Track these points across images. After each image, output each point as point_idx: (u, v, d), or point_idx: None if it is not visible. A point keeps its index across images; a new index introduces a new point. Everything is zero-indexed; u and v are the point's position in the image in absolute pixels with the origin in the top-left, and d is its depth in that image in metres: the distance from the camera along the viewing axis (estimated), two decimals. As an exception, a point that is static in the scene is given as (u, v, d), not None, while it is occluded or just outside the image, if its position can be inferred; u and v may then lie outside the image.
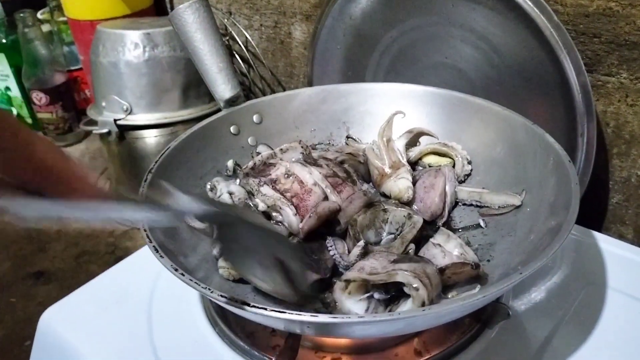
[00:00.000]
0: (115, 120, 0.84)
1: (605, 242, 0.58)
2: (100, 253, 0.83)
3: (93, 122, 0.87)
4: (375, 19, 0.72)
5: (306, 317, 0.36)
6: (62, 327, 0.54)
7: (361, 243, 0.47)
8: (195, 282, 0.38)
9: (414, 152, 0.61)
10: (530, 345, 0.48)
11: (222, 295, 0.37)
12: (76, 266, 0.81)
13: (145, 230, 0.43)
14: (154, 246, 0.42)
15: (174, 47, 0.84)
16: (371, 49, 0.75)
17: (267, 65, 0.91)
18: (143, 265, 0.60)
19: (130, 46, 0.82)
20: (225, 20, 0.90)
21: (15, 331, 0.71)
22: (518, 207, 0.51)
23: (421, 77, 0.72)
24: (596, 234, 0.59)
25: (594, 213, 0.67)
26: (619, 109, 0.60)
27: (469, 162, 0.58)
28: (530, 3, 0.57)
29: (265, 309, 0.36)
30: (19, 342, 0.70)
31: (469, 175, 0.58)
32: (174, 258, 0.42)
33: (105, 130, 0.84)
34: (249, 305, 0.37)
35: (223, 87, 0.60)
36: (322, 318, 0.35)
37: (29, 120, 1.13)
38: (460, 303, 0.36)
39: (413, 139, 0.62)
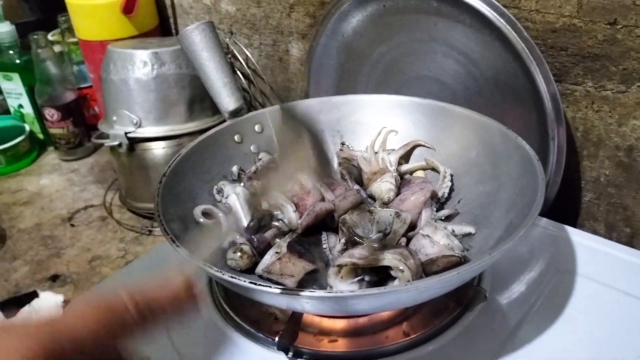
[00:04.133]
0: (125, 133, 0.90)
1: (577, 236, 0.64)
2: (111, 257, 0.89)
3: (104, 136, 0.93)
4: (365, 36, 0.79)
5: (305, 293, 0.42)
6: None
7: (343, 237, 0.53)
8: (209, 266, 0.44)
9: (406, 167, 0.67)
10: (505, 326, 0.54)
11: (232, 276, 0.43)
12: (89, 269, 0.86)
13: (162, 224, 0.49)
14: (171, 238, 0.48)
15: (180, 65, 0.90)
16: (362, 63, 0.81)
17: (266, 80, 0.97)
18: (152, 265, 0.66)
19: (140, 64, 0.89)
20: (227, 39, 0.96)
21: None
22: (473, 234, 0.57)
23: (408, 89, 0.78)
24: (570, 229, 0.65)
25: (568, 211, 0.73)
26: (586, 115, 0.66)
27: (452, 178, 0.64)
28: (503, 21, 0.64)
29: (270, 286, 0.42)
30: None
31: (450, 190, 0.63)
32: (188, 248, 0.48)
33: (116, 143, 0.90)
34: (255, 284, 0.42)
35: (227, 99, 0.66)
36: (319, 293, 0.41)
37: (41, 136, 1.19)
38: (438, 279, 0.42)
39: (409, 151, 0.68)
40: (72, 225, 0.97)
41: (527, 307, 0.55)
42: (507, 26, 0.64)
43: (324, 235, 0.56)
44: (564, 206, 0.72)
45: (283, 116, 0.46)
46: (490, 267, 0.59)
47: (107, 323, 0.27)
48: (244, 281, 0.42)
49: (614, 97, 0.63)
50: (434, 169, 0.65)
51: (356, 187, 0.62)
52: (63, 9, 1.07)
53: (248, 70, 0.96)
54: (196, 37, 0.66)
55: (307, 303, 0.43)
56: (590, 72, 0.63)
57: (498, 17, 0.64)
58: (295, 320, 0.52)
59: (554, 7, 0.63)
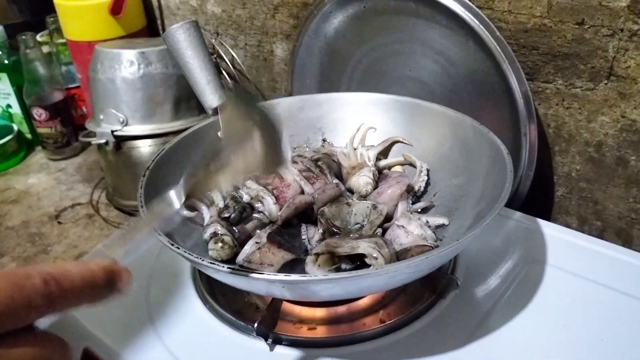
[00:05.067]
0: (112, 132, 0.91)
1: (549, 228, 0.67)
2: (98, 253, 0.90)
3: (92, 134, 0.95)
4: (347, 37, 0.81)
5: (280, 277, 0.44)
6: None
7: (321, 228, 0.55)
8: (188, 253, 0.46)
9: (385, 162, 0.69)
10: (477, 312, 0.56)
11: (211, 262, 0.45)
12: (77, 265, 0.88)
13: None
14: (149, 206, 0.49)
15: (166, 64, 0.91)
16: (344, 63, 0.83)
17: (252, 80, 0.99)
18: (141, 254, 0.67)
19: (127, 64, 0.90)
20: (213, 40, 0.98)
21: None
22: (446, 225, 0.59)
23: (389, 88, 0.80)
24: (542, 222, 0.68)
25: (542, 205, 0.75)
26: (557, 112, 0.69)
27: (428, 172, 0.66)
28: (477, 21, 0.66)
29: (247, 270, 0.44)
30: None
31: (426, 184, 0.66)
32: (171, 239, 0.50)
33: (103, 141, 0.92)
34: (233, 269, 0.44)
35: (211, 97, 0.68)
36: (294, 277, 0.43)
37: (29, 136, 1.20)
38: (406, 264, 0.44)
39: (388, 147, 0.70)
40: (60, 222, 0.98)
41: (499, 295, 0.57)
42: (481, 26, 0.66)
43: (303, 227, 0.58)
44: (538, 201, 0.75)
45: (236, 101, 0.47)
46: (464, 258, 0.62)
47: (11, 294, 0.27)
48: (222, 267, 0.44)
49: (583, 95, 0.66)
50: (411, 164, 0.68)
51: (335, 181, 0.64)
52: (52, 10, 1.09)
53: (234, 70, 0.98)
54: (180, 35, 0.68)
55: (283, 287, 0.45)
56: (560, 71, 0.66)
57: (472, 17, 0.66)
58: (274, 308, 0.54)
59: (526, 8, 0.65)
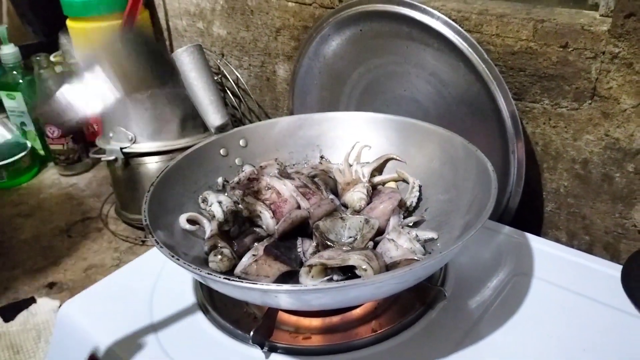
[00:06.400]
0: (121, 149, 0.95)
1: (537, 242, 0.69)
2: (106, 266, 0.93)
3: (101, 151, 0.99)
4: (345, 58, 0.85)
5: (273, 287, 0.47)
6: (78, 316, 0.64)
7: (316, 241, 0.58)
8: (187, 264, 0.49)
9: (379, 178, 0.72)
10: (465, 322, 0.58)
11: (209, 273, 0.48)
12: (85, 277, 0.91)
13: (149, 229, 0.54)
14: (155, 240, 0.53)
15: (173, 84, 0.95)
16: (342, 83, 0.87)
17: (255, 99, 1.03)
18: (146, 268, 0.70)
19: (137, 84, 0.94)
20: (219, 61, 1.02)
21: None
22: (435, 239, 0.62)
23: (386, 107, 0.84)
24: (531, 236, 0.70)
25: (532, 220, 0.78)
26: (544, 130, 0.71)
27: (420, 189, 0.69)
28: (466, 45, 0.69)
29: (242, 280, 0.47)
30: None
31: (418, 199, 0.68)
32: (173, 251, 0.53)
33: (112, 158, 0.96)
34: (229, 279, 0.47)
35: (214, 116, 0.72)
36: (286, 287, 0.46)
37: (42, 152, 1.25)
38: (391, 274, 0.46)
39: (382, 164, 0.73)
40: (70, 236, 1.02)
41: (486, 306, 0.60)
42: (470, 49, 0.69)
43: (299, 240, 0.61)
44: (529, 216, 0.77)
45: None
46: (454, 270, 0.64)
47: None
48: (219, 277, 0.47)
49: (568, 114, 0.68)
50: (404, 180, 0.70)
51: (331, 196, 0.67)
52: (64, 31, 1.13)
53: (238, 90, 1.02)
54: (185, 58, 0.72)
55: (276, 297, 0.48)
56: (546, 91, 0.69)
57: (462, 41, 0.70)
58: (270, 317, 0.57)
59: (513, 32, 0.69)
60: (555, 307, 0.60)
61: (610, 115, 0.65)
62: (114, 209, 1.08)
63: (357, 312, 0.61)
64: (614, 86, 0.64)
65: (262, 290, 0.47)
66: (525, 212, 0.76)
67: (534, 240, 0.69)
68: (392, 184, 0.72)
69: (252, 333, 0.54)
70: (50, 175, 1.23)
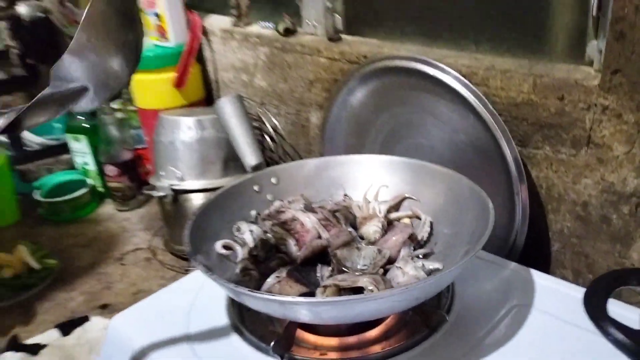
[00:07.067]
0: (170, 186, 1.07)
1: (540, 277, 0.74)
2: (153, 291, 1.03)
3: (153, 188, 1.11)
4: (369, 107, 0.94)
5: (288, 299, 0.55)
6: (125, 328, 0.73)
7: (333, 267, 0.66)
8: (221, 280, 0.58)
9: (395, 215, 0.80)
10: (466, 344, 0.64)
11: (236, 286, 0.57)
12: (133, 299, 1.01)
13: (191, 254, 0.64)
14: (194, 259, 0.62)
15: (218, 130, 1.07)
16: (367, 130, 0.96)
17: (290, 143, 1.14)
18: (186, 289, 0.80)
19: (185, 129, 1.07)
20: (259, 109, 1.14)
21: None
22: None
23: (405, 151, 0.92)
24: (535, 272, 0.75)
25: (540, 259, 0.83)
26: (547, 174, 0.78)
27: (431, 225, 0.76)
28: (473, 97, 0.78)
29: (264, 293, 0.56)
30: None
31: (429, 234, 0.76)
32: (210, 270, 0.62)
33: (163, 194, 1.07)
34: (254, 292, 0.56)
35: (250, 157, 0.82)
36: (300, 299, 0.54)
37: (101, 189, 1.38)
38: (389, 292, 0.54)
39: (399, 203, 0.81)
40: (122, 264, 1.13)
41: (487, 331, 0.66)
42: (477, 101, 0.78)
43: (318, 266, 0.69)
44: (537, 256, 0.83)
45: None
46: (460, 300, 0.71)
47: None
48: (246, 290, 0.56)
49: (567, 160, 0.75)
50: (417, 217, 0.78)
51: (349, 229, 0.75)
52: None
53: (275, 135, 1.13)
54: (227, 107, 0.84)
55: (292, 308, 0.56)
56: (547, 139, 0.76)
57: (470, 94, 0.78)
58: (289, 331, 0.65)
59: (515, 85, 0.77)
60: (551, 336, 0.65)
61: (605, 161, 0.71)
62: (162, 241, 1.19)
63: (370, 334, 0.68)
64: (606, 135, 0.70)
65: (280, 302, 0.55)
66: (534, 251, 0.82)
67: (536, 275, 0.75)
68: (406, 220, 0.79)
69: (272, 344, 0.62)
70: (108, 210, 1.36)
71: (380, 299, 0.55)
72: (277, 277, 0.66)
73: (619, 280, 0.64)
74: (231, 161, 1.08)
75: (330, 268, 0.68)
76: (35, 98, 0.44)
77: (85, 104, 0.47)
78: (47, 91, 0.44)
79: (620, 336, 0.52)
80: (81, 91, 0.46)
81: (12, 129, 0.44)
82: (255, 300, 0.57)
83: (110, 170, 1.30)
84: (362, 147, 0.98)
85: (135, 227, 1.27)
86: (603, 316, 0.56)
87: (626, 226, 0.72)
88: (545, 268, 0.83)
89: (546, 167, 0.78)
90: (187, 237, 0.67)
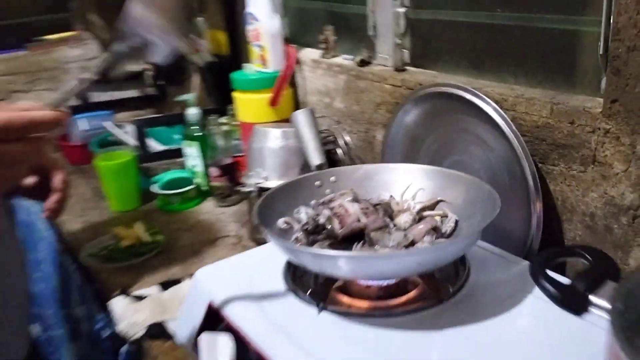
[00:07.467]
0: (256, 184, 1.30)
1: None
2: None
3: (244, 186, 1.34)
4: (421, 127, 1.11)
5: (320, 251, 0.74)
6: (204, 278, 0.95)
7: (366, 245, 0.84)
8: (278, 238, 0.78)
9: (428, 213, 0.96)
10: (468, 313, 0.79)
11: (285, 240, 0.76)
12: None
13: (260, 224, 0.84)
14: (263, 227, 0.83)
15: (299, 140, 1.29)
16: (419, 146, 1.13)
17: (360, 157, 1.33)
18: (255, 256, 1.01)
19: (273, 138, 1.30)
20: (334, 126, 1.35)
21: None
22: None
23: (449, 164, 1.08)
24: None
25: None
26: (562, 188, 0.91)
27: (456, 222, 0.92)
28: (502, 120, 0.93)
29: (303, 247, 0.75)
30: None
31: (453, 230, 0.91)
32: (270, 231, 0.82)
33: (250, 189, 1.30)
34: (298, 246, 0.75)
35: (315, 157, 1.03)
36: (325, 252, 0.73)
37: (205, 187, 1.65)
38: (395, 251, 0.71)
39: (434, 204, 0.98)
40: (214, 246, 1.37)
41: (487, 307, 0.80)
42: (504, 123, 0.92)
43: (355, 244, 0.87)
44: (555, 260, 0.95)
45: None
46: (474, 281, 0.85)
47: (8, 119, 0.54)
48: (293, 245, 0.76)
49: (578, 175, 0.88)
50: (446, 215, 0.94)
51: (386, 218, 0.92)
52: (231, 100, 1.55)
53: (347, 149, 1.32)
54: (301, 117, 1.05)
55: (321, 259, 0.74)
56: (561, 157, 0.89)
57: (500, 117, 0.93)
58: (324, 285, 0.83)
59: (537, 111, 0.91)
60: (540, 319, 0.77)
61: (607, 177, 0.83)
62: (248, 232, 1.42)
63: (394, 301, 0.84)
64: (608, 154, 0.83)
65: (314, 254, 0.74)
66: (551, 255, 0.94)
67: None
68: (437, 218, 0.95)
69: (309, 292, 0.81)
70: (208, 205, 1.62)
71: (390, 257, 0.72)
72: (320, 246, 0.85)
73: (555, 255, 0.76)
74: (307, 167, 1.29)
75: (364, 245, 0.85)
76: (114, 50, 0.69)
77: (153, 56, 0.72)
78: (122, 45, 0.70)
79: (551, 289, 0.64)
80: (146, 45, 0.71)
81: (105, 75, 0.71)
82: (297, 253, 0.77)
83: (213, 171, 1.56)
84: (415, 158, 1.15)
85: (228, 219, 1.52)
86: (541, 276, 0.67)
87: (625, 235, 0.83)
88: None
89: (561, 182, 0.91)
90: (257, 209, 0.88)
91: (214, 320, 0.89)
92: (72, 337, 1.64)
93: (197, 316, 0.92)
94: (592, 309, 0.70)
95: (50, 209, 0.74)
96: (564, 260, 0.77)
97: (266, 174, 1.30)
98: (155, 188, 1.61)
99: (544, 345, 0.72)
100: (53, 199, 0.73)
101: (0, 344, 0.81)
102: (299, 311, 0.83)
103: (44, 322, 1.26)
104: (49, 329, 1.72)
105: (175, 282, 1.20)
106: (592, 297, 0.58)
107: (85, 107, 2.06)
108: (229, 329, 0.85)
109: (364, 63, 1.30)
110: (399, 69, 1.22)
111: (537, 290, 0.83)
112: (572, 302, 0.61)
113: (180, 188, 1.59)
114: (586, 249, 0.69)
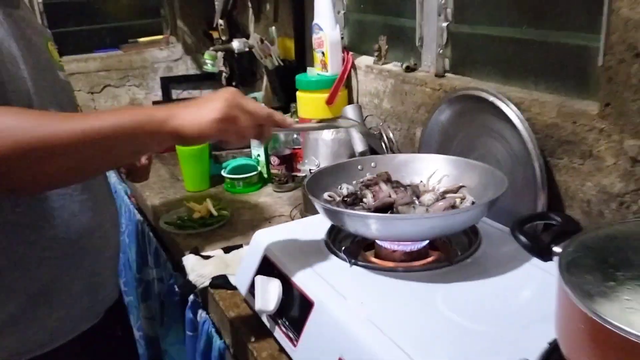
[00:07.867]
0: (310, 170, 1.50)
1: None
2: (286, 239, 1.47)
3: (299, 171, 1.55)
4: (453, 124, 1.29)
5: (352, 212, 0.93)
6: (261, 237, 1.16)
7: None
8: (320, 201, 0.98)
9: (450, 195, 1.14)
10: (472, 272, 0.96)
11: (326, 204, 0.96)
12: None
13: (310, 194, 1.05)
14: (310, 196, 1.03)
15: (348, 134, 1.49)
16: (452, 141, 1.30)
17: (401, 152, 1.51)
18: (305, 223, 1.21)
19: (326, 132, 1.50)
20: (381, 124, 1.54)
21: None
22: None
23: (475, 159, 1.25)
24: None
25: (561, 245, 1.10)
26: (566, 179, 1.06)
27: (472, 203, 1.09)
28: (518, 120, 1.09)
29: (338, 207, 0.95)
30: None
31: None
32: (314, 196, 1.02)
33: (304, 174, 1.51)
34: (332, 205, 0.95)
35: (358, 145, 1.22)
36: (354, 212, 0.92)
37: (266, 175, 1.88)
38: (422, 215, 0.89)
39: (457, 189, 1.15)
40: (269, 223, 1.59)
41: (490, 269, 0.97)
42: (520, 122, 1.09)
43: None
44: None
45: None
46: (483, 249, 1.02)
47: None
48: (329, 205, 0.95)
49: (578, 168, 1.03)
50: (464, 198, 1.11)
51: (414, 197, 1.11)
52: (295, 99, 1.77)
53: (390, 145, 1.51)
54: (350, 110, 1.25)
55: (352, 219, 0.94)
56: (566, 152, 1.05)
57: (516, 117, 1.10)
58: (357, 244, 1.02)
59: (547, 112, 1.07)
60: (533, 281, 0.94)
61: (600, 169, 0.99)
62: (299, 212, 1.63)
63: (416, 263, 1.03)
64: (601, 150, 0.98)
65: (349, 214, 0.94)
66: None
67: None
68: (457, 200, 1.12)
69: (343, 249, 1.01)
70: (268, 190, 1.84)
71: (408, 219, 0.90)
72: (356, 212, 1.05)
73: (532, 217, 0.90)
74: (354, 157, 1.49)
75: (390, 214, 1.04)
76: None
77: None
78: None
79: (523, 239, 0.79)
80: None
81: None
82: (337, 214, 0.97)
83: (274, 160, 1.79)
84: (448, 151, 1.32)
85: (283, 202, 1.73)
86: (518, 231, 0.82)
87: (613, 219, 0.98)
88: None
89: (565, 173, 1.06)
90: (307, 182, 1.09)
91: (267, 269, 1.10)
92: (143, 298, 1.92)
93: (254, 265, 1.13)
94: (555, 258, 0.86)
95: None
96: (541, 222, 0.94)
97: (318, 162, 1.51)
98: (223, 172, 1.85)
99: (523, 292, 0.89)
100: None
101: (98, 287, 1.05)
102: (336, 265, 1.03)
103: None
104: (124, 294, 2.01)
105: (236, 247, 1.42)
106: (554, 247, 0.74)
107: (168, 102, 2.35)
108: (279, 275, 1.06)
109: (409, 69, 1.49)
110: (440, 75, 1.41)
111: (534, 260, 0.99)
112: (539, 250, 0.77)
113: (245, 174, 1.82)
114: (557, 214, 0.85)
